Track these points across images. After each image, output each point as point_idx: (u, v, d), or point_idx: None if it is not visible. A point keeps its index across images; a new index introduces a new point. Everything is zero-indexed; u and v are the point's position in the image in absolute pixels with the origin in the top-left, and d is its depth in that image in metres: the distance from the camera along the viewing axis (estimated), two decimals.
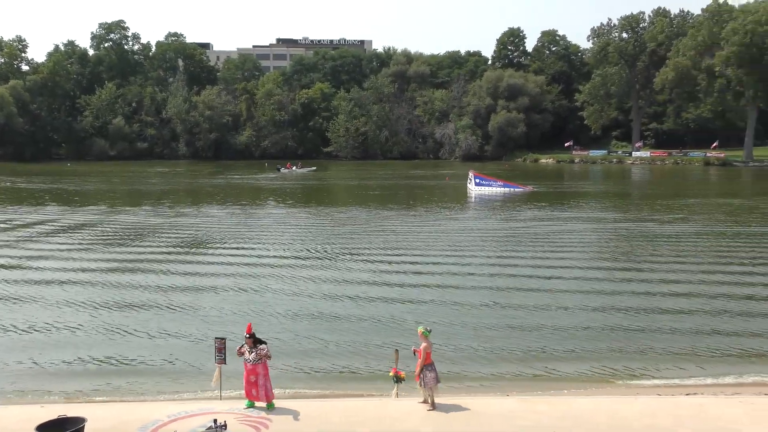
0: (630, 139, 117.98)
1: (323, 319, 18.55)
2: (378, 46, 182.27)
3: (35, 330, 17.72)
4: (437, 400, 12.08)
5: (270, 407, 11.96)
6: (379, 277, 23.75)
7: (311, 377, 14.71)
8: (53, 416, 10.59)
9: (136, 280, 23.47)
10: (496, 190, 59.97)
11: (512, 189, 60.22)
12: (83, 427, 10.18)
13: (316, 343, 16.62)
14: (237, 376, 13.63)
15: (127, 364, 15.41)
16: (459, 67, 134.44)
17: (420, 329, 12.26)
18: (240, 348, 12.25)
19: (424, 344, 12.06)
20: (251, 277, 23.66)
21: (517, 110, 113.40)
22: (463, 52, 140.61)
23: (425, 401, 12.09)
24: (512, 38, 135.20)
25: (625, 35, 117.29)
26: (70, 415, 10.54)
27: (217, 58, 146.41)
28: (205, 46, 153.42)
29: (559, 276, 24.00)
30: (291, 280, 23.23)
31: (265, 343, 12.22)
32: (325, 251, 28.91)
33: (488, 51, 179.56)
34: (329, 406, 12.36)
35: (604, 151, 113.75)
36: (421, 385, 12.03)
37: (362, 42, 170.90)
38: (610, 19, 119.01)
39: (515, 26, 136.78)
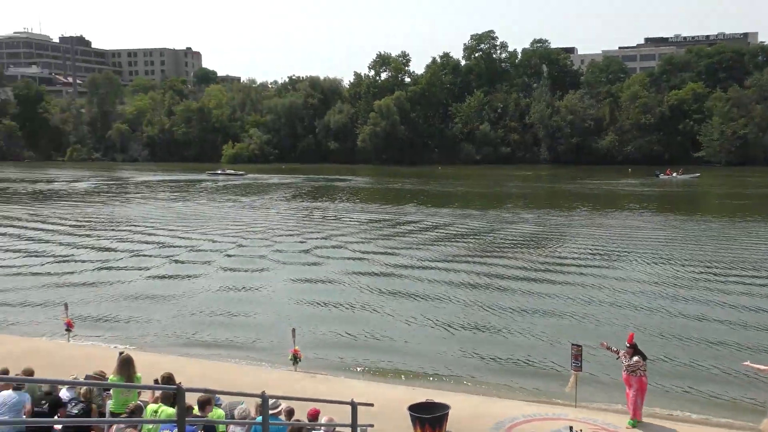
0: None
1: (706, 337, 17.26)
2: (764, 38, 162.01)
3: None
4: None
5: (631, 424, 11.52)
6: None
7: (692, 401, 13.70)
8: (422, 399, 11.65)
9: (495, 279, 24.61)
10: None
11: None
12: (447, 413, 11.03)
13: (693, 365, 15.53)
14: (592, 383, 13.49)
15: (490, 360, 16.25)
16: None
17: None
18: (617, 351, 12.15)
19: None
20: (614, 282, 23.06)
21: None
22: None
23: None
24: None
25: None
26: (437, 400, 11.51)
27: (581, 61, 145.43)
28: (570, 50, 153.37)
29: None
30: (659, 292, 22.09)
31: (643, 357, 11.78)
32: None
33: None
34: None
35: None
36: None
37: (745, 35, 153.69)
38: None
39: None
